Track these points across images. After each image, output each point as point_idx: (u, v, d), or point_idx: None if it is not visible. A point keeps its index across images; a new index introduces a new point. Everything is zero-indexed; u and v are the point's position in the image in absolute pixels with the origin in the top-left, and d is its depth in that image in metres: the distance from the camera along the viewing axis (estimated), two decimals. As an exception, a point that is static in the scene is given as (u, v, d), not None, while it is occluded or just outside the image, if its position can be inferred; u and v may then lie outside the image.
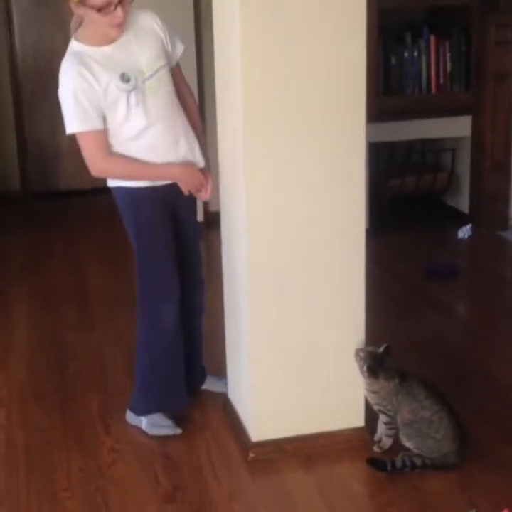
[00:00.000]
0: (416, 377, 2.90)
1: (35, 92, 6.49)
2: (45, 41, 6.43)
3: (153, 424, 3.13)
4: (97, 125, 2.81)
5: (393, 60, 5.23)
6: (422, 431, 2.81)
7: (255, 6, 2.62)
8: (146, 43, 2.87)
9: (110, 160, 2.88)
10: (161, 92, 2.88)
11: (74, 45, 2.83)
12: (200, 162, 3.01)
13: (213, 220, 3.19)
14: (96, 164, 2.87)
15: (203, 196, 3.04)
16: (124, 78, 2.80)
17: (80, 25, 2.86)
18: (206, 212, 5.25)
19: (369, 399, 2.93)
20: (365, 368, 2.84)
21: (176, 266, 3.05)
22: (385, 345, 2.86)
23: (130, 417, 3.20)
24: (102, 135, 2.84)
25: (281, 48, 2.67)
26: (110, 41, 2.81)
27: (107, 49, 2.81)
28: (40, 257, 5.28)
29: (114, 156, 2.88)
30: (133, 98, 2.81)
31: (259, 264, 2.83)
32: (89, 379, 3.61)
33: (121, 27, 2.78)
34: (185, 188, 2.96)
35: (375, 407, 2.93)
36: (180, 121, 2.96)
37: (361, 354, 2.87)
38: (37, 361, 3.82)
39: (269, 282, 2.84)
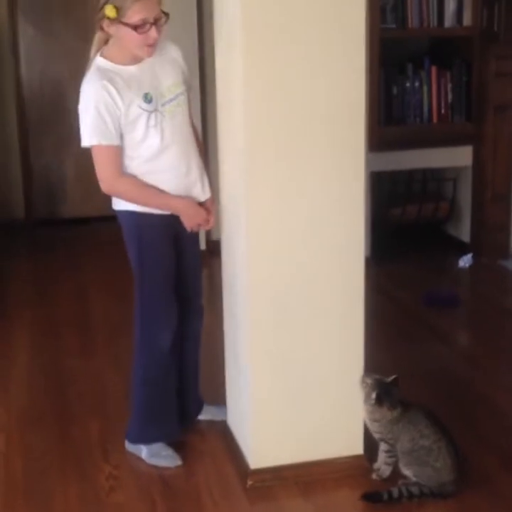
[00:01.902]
0: (417, 406, 2.91)
1: (41, 120, 6.55)
2: (51, 71, 6.50)
3: (153, 454, 3.13)
4: (115, 141, 2.83)
5: (395, 90, 5.27)
6: (421, 459, 2.81)
7: (257, 38, 2.66)
8: (169, 69, 2.93)
9: (122, 179, 2.90)
10: (178, 117, 2.93)
11: (99, 61, 2.88)
12: (207, 192, 3.05)
13: (215, 248, 3.21)
14: (107, 180, 2.89)
15: (204, 228, 3.07)
16: (147, 98, 2.84)
17: (104, 43, 2.91)
18: (208, 241, 5.27)
19: (370, 427, 2.93)
20: (373, 395, 2.83)
21: (175, 293, 3.07)
22: (394, 377, 2.86)
23: (128, 444, 3.20)
24: (118, 152, 2.86)
25: (283, 77, 2.71)
26: (136, 61, 2.86)
27: (132, 68, 2.86)
28: (43, 284, 5.30)
29: (126, 177, 2.90)
30: (153, 119, 2.85)
31: (259, 291, 2.85)
32: (88, 404, 3.61)
33: (153, 47, 2.83)
34: (187, 224, 2.98)
35: (376, 436, 2.93)
36: (193, 149, 3.01)
37: (368, 381, 2.86)
38: (37, 386, 3.82)
39: (269, 309, 2.86)
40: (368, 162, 4.72)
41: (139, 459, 3.13)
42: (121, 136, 2.85)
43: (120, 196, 2.96)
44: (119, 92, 2.79)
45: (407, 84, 5.28)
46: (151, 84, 2.87)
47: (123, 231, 3.06)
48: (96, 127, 2.81)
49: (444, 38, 5.39)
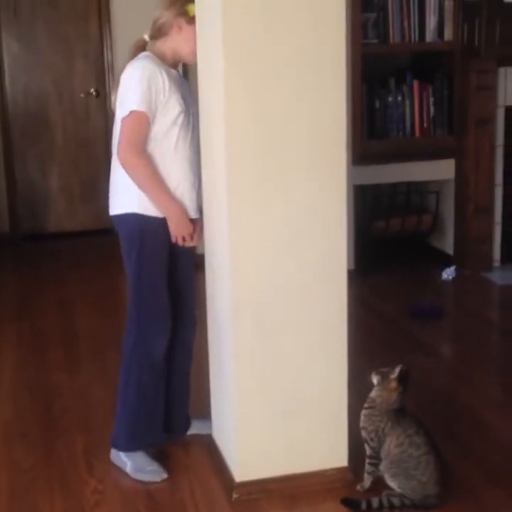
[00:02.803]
0: (411, 414, 2.92)
1: (25, 134, 6.57)
2: (35, 85, 6.53)
3: (137, 469, 3.12)
4: (152, 112, 2.92)
5: (378, 104, 5.33)
6: (409, 472, 2.82)
7: (238, 54, 2.68)
8: (188, 88, 3.11)
9: (142, 154, 2.95)
10: (196, 130, 3.07)
11: (151, 55, 3.01)
12: (199, 212, 3.09)
13: (200, 262, 3.22)
14: (131, 152, 2.92)
15: (187, 243, 3.07)
16: (182, 99, 3.00)
17: (141, 50, 3.05)
18: (194, 255, 5.27)
19: (362, 418, 2.93)
20: (397, 369, 2.88)
21: (170, 299, 3.10)
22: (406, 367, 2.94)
23: (114, 456, 3.20)
24: (148, 123, 2.93)
25: (264, 92, 2.73)
26: (173, 67, 3.06)
27: (174, 72, 3.05)
28: (29, 298, 5.30)
29: (146, 156, 2.96)
30: (181, 118, 2.99)
31: (241, 304, 2.86)
32: (74, 419, 3.61)
33: None
34: (173, 232, 3.01)
35: (362, 433, 2.92)
36: (199, 169, 3.09)
37: (384, 369, 2.92)
38: (22, 401, 3.82)
39: (253, 322, 2.87)
40: (352, 175, 4.80)
41: (124, 473, 3.13)
42: (154, 118, 2.94)
43: (131, 170, 2.96)
44: (164, 81, 2.93)
45: (390, 99, 5.34)
46: (184, 91, 3.05)
47: (121, 236, 3.08)
48: (142, 97, 2.89)
49: (426, 52, 5.45)
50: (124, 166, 2.95)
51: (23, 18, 6.42)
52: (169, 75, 2.97)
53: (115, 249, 3.15)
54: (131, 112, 2.91)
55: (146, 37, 3.08)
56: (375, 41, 5.23)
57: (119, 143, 2.95)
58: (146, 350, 3.09)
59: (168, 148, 3.00)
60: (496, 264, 5.50)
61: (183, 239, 3.04)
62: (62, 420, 3.61)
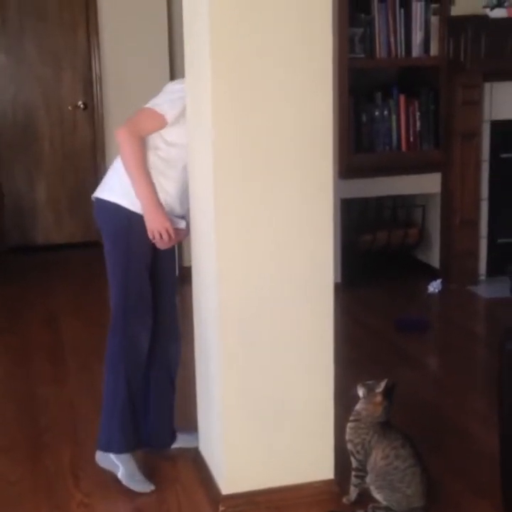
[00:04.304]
0: (397, 427, 2.93)
1: (12, 146, 6.56)
2: (23, 97, 6.53)
3: (129, 475, 3.11)
4: (169, 119, 3.01)
5: (364, 119, 5.36)
6: (394, 484, 2.83)
7: (225, 68, 2.71)
8: None
9: (135, 134, 2.99)
10: None
11: None
12: (185, 223, 3.12)
13: (187, 274, 3.23)
14: (128, 130, 2.98)
15: (161, 243, 3.06)
16: None
17: None
18: (180, 267, 5.28)
19: (348, 431, 2.93)
20: (382, 384, 2.88)
21: (151, 293, 3.12)
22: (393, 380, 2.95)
23: (102, 459, 3.18)
24: (159, 126, 3.01)
25: (251, 107, 2.75)
26: None
27: None
28: (15, 311, 5.28)
29: (142, 145, 3.00)
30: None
31: (229, 318, 2.87)
32: (60, 431, 3.61)
33: None
34: (149, 227, 3.02)
35: (348, 446, 2.93)
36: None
37: (368, 382, 2.92)
38: (8, 413, 3.81)
39: (239, 334, 2.88)
40: (338, 189, 4.81)
41: (111, 485, 3.12)
42: (172, 125, 3.02)
43: (120, 143, 3.01)
44: None
45: (376, 113, 5.38)
46: None
47: (106, 227, 3.10)
48: (174, 106, 3.01)
49: (412, 67, 5.49)
50: (117, 139, 3.02)
51: (11, 30, 6.43)
52: None
53: (102, 262, 3.16)
54: (152, 108, 3.01)
55: None
56: (362, 56, 5.27)
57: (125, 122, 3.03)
58: (133, 345, 3.11)
59: (180, 164, 3.07)
60: (482, 277, 5.52)
61: (160, 236, 3.02)
62: (49, 433, 3.61)
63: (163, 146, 3.05)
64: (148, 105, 3.05)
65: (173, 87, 3.14)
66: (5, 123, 6.54)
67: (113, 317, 3.15)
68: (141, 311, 3.11)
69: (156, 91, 3.18)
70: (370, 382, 2.94)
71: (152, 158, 3.04)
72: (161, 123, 3.02)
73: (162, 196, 3.05)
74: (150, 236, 3.04)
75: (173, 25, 5.62)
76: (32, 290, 5.71)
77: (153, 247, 3.09)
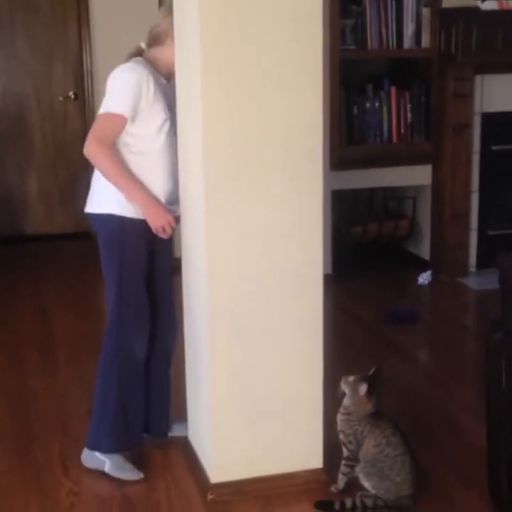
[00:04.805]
0: (388, 416, 2.94)
1: (3, 138, 6.55)
2: (14, 88, 6.52)
3: (117, 467, 3.12)
4: (128, 115, 2.94)
5: (355, 110, 5.36)
6: (383, 472, 2.84)
7: (215, 60, 2.70)
8: (173, 96, 3.09)
9: (103, 145, 2.95)
10: (176, 137, 3.07)
11: (144, 61, 3.05)
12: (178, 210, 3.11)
13: (176, 265, 3.23)
14: (95, 143, 2.94)
15: (163, 236, 3.07)
16: (168, 107, 3.03)
17: (139, 54, 3.08)
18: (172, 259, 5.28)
19: (339, 422, 2.94)
20: (364, 388, 2.86)
21: (149, 300, 3.12)
22: (376, 367, 2.93)
23: (88, 459, 3.19)
24: (122, 126, 2.96)
25: (241, 98, 2.75)
26: (166, 77, 3.08)
27: (163, 81, 3.08)
28: (6, 302, 5.27)
29: (113, 152, 2.97)
30: (166, 126, 3.03)
31: (218, 309, 2.87)
32: (50, 423, 3.61)
33: None
34: (152, 224, 3.02)
35: (340, 436, 2.94)
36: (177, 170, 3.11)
37: (350, 379, 2.90)
38: (-2, 405, 3.82)
39: (229, 326, 2.88)
40: (329, 181, 4.83)
41: (100, 474, 3.13)
42: (133, 125, 2.97)
43: (93, 160, 2.98)
44: (154, 87, 2.96)
45: (367, 105, 5.38)
46: (171, 101, 3.07)
47: (100, 237, 3.09)
48: (122, 96, 2.94)
49: (403, 59, 5.49)
50: (88, 157, 2.98)
51: (1, 22, 6.41)
52: (157, 82, 3.00)
53: (93, 253, 3.16)
54: (107, 112, 2.94)
55: (143, 44, 3.11)
56: (353, 47, 5.26)
57: (87, 137, 2.98)
58: (128, 351, 3.10)
59: (154, 153, 3.03)
60: (472, 269, 5.54)
61: (164, 229, 3.03)
62: (39, 424, 3.61)
63: (132, 140, 3.00)
64: (101, 111, 2.97)
65: (114, 80, 2.99)
66: (-4, 115, 6.53)
67: (109, 321, 3.14)
68: (135, 320, 3.10)
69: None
70: (352, 378, 2.92)
71: (127, 156, 3.01)
72: (122, 122, 2.95)
73: (152, 190, 3.04)
74: (154, 231, 3.03)
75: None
76: (22, 281, 5.70)
77: (150, 244, 3.08)
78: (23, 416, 3.69)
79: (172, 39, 3.01)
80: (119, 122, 2.95)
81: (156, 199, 3.03)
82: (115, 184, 2.98)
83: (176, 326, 3.29)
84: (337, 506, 2.84)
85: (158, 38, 3.08)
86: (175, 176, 3.10)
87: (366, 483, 2.89)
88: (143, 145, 3.02)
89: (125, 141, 3.01)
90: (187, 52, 2.87)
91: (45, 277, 5.77)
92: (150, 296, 3.14)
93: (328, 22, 4.89)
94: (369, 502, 2.84)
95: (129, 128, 2.98)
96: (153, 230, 3.03)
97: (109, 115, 2.95)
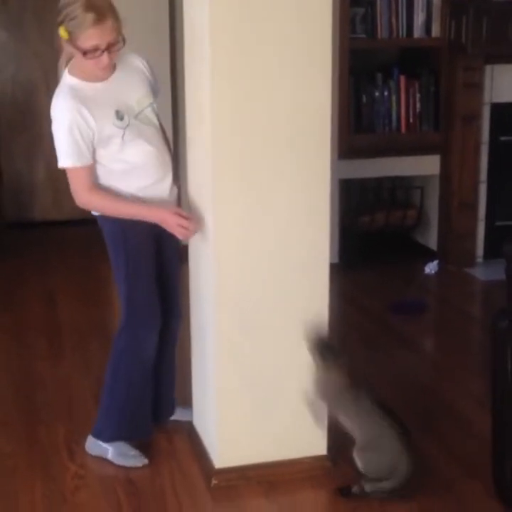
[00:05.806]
0: (364, 390, 2.89)
1: (12, 124, 6.55)
2: (23, 75, 6.51)
3: (119, 454, 3.14)
4: (88, 160, 2.88)
5: (365, 99, 5.34)
6: (376, 443, 2.82)
7: (224, 49, 2.70)
8: (136, 82, 2.97)
9: (96, 193, 2.93)
10: (151, 128, 2.98)
11: (68, 79, 2.90)
12: (176, 200, 3.08)
13: (183, 254, 3.24)
14: (82, 196, 2.93)
15: (191, 233, 2.95)
16: (119, 115, 2.88)
17: (69, 59, 2.93)
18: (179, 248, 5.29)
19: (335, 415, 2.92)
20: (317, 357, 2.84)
21: (158, 295, 3.11)
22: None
23: (92, 447, 3.21)
24: (91, 170, 2.91)
25: (250, 87, 2.75)
26: (100, 78, 2.89)
27: (98, 85, 2.90)
28: (13, 288, 5.29)
29: (101, 191, 2.93)
30: (128, 134, 2.89)
31: (225, 298, 2.88)
32: (56, 407, 3.62)
33: (107, 69, 2.86)
34: (173, 232, 2.95)
35: (340, 425, 2.92)
36: (167, 157, 3.04)
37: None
38: (4, 390, 3.82)
39: (235, 314, 2.89)
40: (337, 169, 4.81)
41: (105, 459, 3.15)
42: (95, 151, 2.89)
43: (98, 209, 2.99)
44: (91, 112, 2.83)
45: (377, 94, 5.36)
46: (120, 100, 2.91)
47: (105, 235, 3.08)
48: (70, 149, 2.85)
49: (413, 48, 5.47)
50: (85, 207, 2.98)
51: (11, 7, 6.40)
52: (91, 96, 2.86)
53: (101, 239, 3.16)
54: (69, 168, 2.89)
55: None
56: (363, 36, 5.24)
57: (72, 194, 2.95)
58: (138, 347, 3.11)
59: (123, 167, 2.94)
60: (479, 260, 5.53)
61: (187, 229, 2.93)
62: (45, 408, 3.62)
63: (99, 159, 2.92)
64: (62, 166, 2.90)
65: (54, 125, 2.91)
66: (4, 101, 6.52)
67: (121, 319, 3.14)
68: (146, 316, 3.09)
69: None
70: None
71: (102, 170, 2.94)
72: (87, 168, 2.88)
73: (137, 188, 2.97)
74: (179, 237, 2.98)
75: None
76: (29, 266, 5.70)
77: (156, 239, 3.06)
78: (30, 401, 3.70)
79: (67, 46, 2.85)
80: (84, 170, 2.88)
81: (157, 207, 2.96)
82: (119, 216, 2.95)
83: (181, 314, 3.30)
84: (356, 490, 2.86)
85: (63, 51, 2.94)
86: (159, 159, 2.98)
87: (359, 462, 2.86)
88: (111, 158, 2.92)
89: (96, 171, 2.95)
90: (196, 44, 2.85)
91: (52, 263, 5.78)
92: (159, 286, 3.13)
93: (338, 11, 4.87)
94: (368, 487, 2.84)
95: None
96: (177, 235, 2.96)
97: (72, 170, 2.89)
